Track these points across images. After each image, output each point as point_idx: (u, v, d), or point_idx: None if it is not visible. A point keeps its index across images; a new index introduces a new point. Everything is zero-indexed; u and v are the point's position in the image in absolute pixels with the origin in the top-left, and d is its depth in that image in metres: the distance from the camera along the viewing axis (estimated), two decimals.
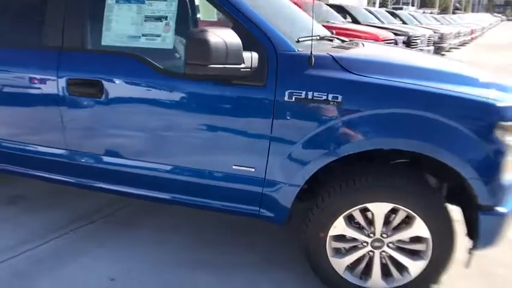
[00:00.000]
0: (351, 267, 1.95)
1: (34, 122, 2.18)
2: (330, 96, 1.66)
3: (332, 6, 9.80)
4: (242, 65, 1.63)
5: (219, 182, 1.94)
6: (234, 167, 1.88)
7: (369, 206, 1.79)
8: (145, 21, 1.90)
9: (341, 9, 9.93)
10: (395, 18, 12.00)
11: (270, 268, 2.18)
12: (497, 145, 1.65)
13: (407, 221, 1.81)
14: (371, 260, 1.91)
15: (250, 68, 1.68)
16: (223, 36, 1.55)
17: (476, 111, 1.65)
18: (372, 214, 1.81)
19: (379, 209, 1.78)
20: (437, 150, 1.64)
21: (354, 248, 1.91)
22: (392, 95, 1.66)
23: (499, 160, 1.66)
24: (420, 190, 1.73)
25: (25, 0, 2.15)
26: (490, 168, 1.67)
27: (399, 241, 1.86)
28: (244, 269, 2.16)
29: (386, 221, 1.83)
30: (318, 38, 2.03)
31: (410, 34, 8.34)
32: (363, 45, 2.33)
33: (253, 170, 1.86)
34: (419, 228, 1.78)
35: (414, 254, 1.87)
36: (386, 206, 1.77)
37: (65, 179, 2.23)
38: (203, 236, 2.47)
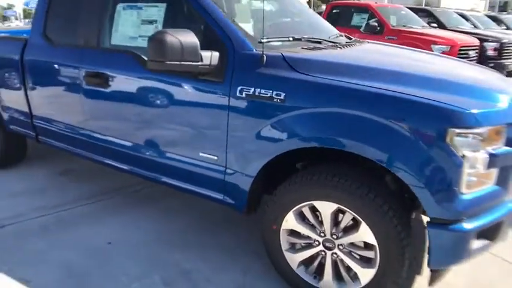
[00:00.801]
0: (306, 264, 1.97)
1: (67, 105, 2.68)
2: (274, 93, 1.75)
3: (418, 10, 9.23)
4: (200, 62, 1.82)
5: (190, 167, 2.15)
6: (200, 154, 2.08)
7: (316, 203, 1.81)
8: (141, 24, 2.22)
9: (429, 14, 9.30)
10: (499, 23, 10.67)
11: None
12: (449, 154, 1.52)
13: (355, 225, 1.78)
14: (324, 260, 1.91)
15: (210, 65, 1.86)
16: (180, 37, 1.76)
17: (423, 114, 1.55)
18: (320, 213, 1.83)
19: (324, 208, 1.79)
20: (373, 152, 1.59)
21: (308, 246, 1.94)
22: (332, 94, 1.67)
23: (452, 170, 1.53)
24: (365, 194, 1.68)
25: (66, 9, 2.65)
26: (438, 179, 1.55)
27: (350, 245, 1.83)
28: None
29: (337, 222, 1.83)
30: (291, 39, 2.10)
31: (503, 41, 7.40)
32: (359, 45, 2.33)
33: (216, 158, 2.03)
34: (365, 233, 1.73)
35: (364, 261, 1.82)
36: (331, 206, 1.77)
37: (81, 153, 2.72)
38: (209, 221, 2.70)
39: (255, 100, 1.81)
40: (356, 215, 1.72)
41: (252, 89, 1.81)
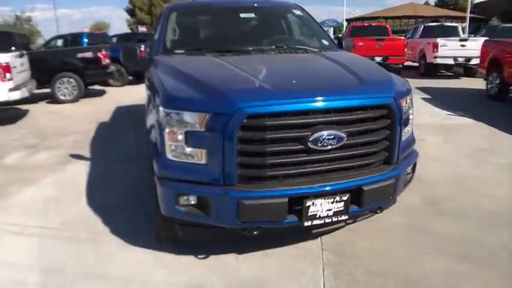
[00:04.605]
0: None
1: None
2: (147, 79, 2.92)
3: None
4: (138, 61, 3.17)
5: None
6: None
7: None
8: None
9: None
10: None
11: None
12: (160, 126, 2.13)
13: None
14: None
15: (144, 63, 3.18)
16: (127, 50, 3.19)
17: (159, 97, 2.24)
18: None
19: None
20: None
21: None
22: (150, 82, 2.68)
23: (160, 139, 2.16)
24: None
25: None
26: (156, 143, 2.27)
27: None
28: None
29: None
30: (192, 49, 3.07)
31: None
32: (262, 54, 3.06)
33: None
34: None
35: None
36: None
37: None
38: None
39: (147, 83, 3.02)
40: None
41: (147, 76, 3.03)
